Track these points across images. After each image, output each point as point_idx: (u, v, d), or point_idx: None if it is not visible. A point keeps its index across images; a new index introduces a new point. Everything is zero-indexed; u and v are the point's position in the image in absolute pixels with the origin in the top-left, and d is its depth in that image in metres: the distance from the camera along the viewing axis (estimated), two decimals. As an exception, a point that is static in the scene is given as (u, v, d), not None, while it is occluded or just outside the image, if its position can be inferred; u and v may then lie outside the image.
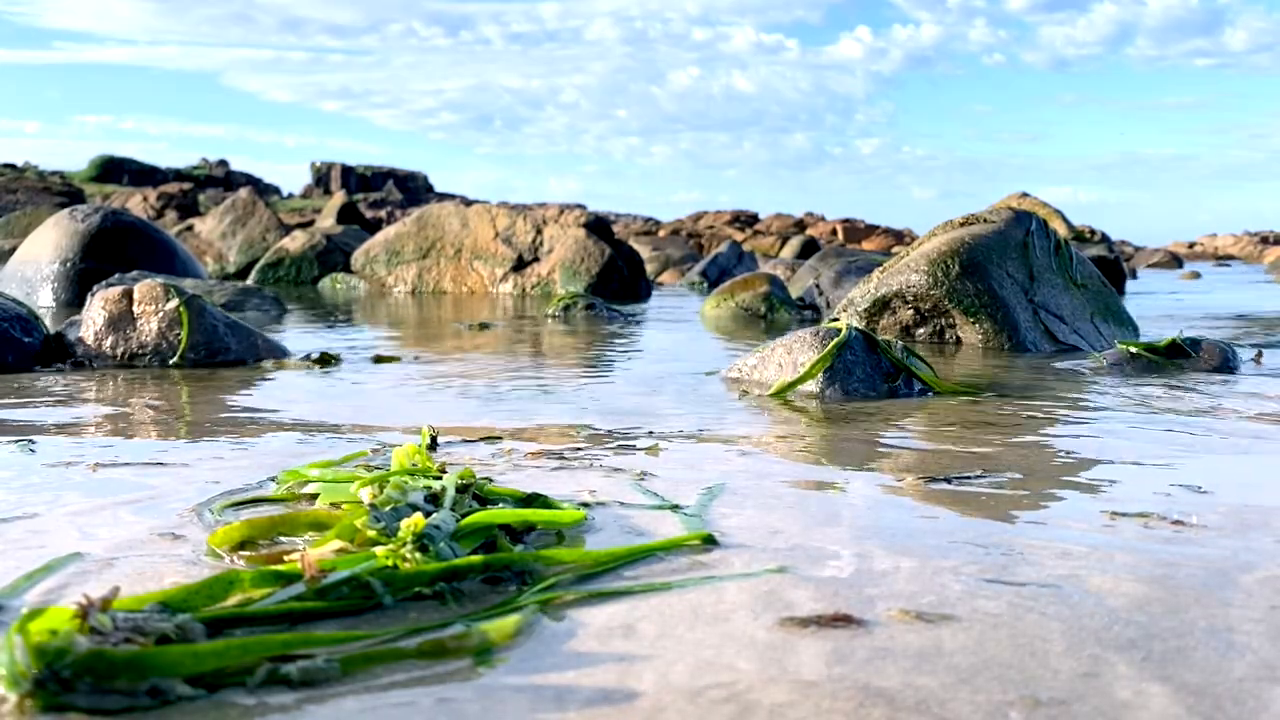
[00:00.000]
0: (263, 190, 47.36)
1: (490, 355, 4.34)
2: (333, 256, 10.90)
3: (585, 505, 1.64)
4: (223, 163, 55.62)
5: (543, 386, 3.36)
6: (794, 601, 1.20)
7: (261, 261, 10.89)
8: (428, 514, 1.37)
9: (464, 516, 1.42)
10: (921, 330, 5.19)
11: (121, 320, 3.87)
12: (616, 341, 5.12)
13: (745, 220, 37.41)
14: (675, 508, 1.64)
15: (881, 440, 2.37)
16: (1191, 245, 42.09)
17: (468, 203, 10.87)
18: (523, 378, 3.58)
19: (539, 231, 10.20)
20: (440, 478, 1.60)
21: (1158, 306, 8.54)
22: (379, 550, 1.27)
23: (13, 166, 45.00)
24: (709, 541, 1.45)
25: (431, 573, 1.23)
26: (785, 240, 22.88)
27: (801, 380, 3.14)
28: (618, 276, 9.77)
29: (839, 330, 3.29)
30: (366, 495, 1.49)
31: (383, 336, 5.29)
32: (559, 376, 3.70)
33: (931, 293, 5.11)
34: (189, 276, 7.48)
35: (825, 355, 3.15)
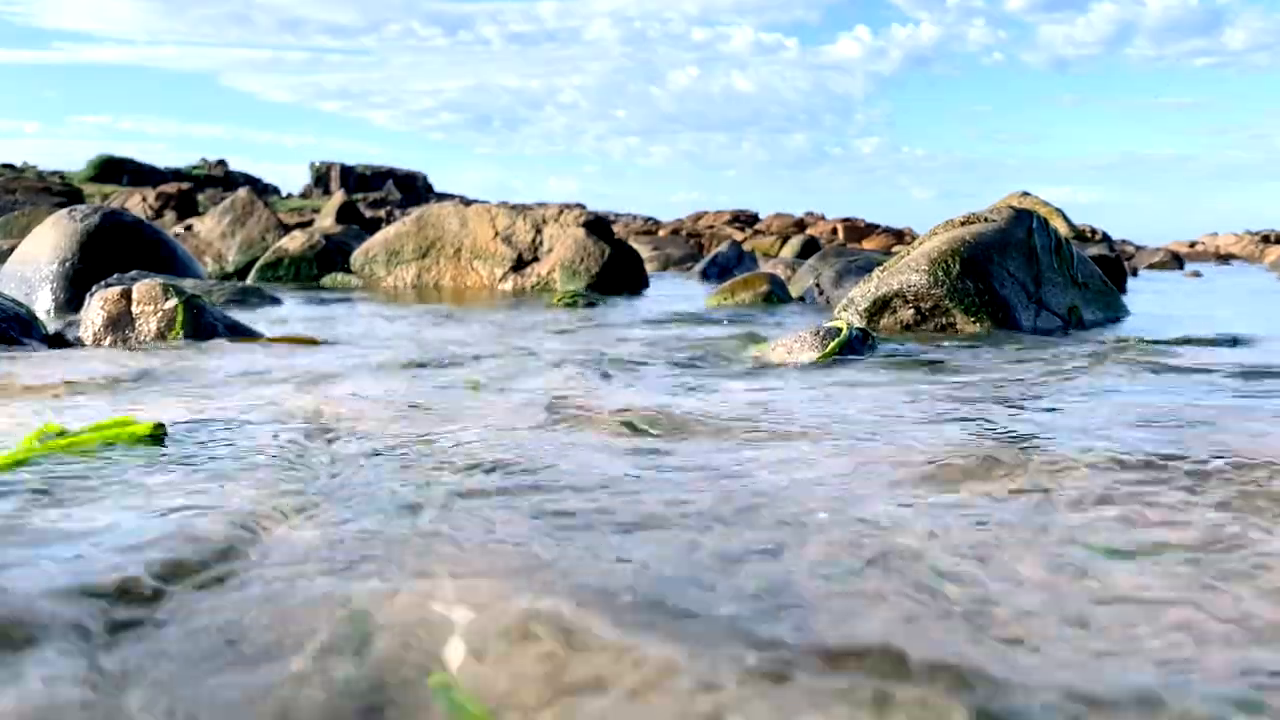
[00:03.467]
0: (262, 190, 47.34)
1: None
2: (332, 256, 10.88)
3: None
4: (222, 163, 55.51)
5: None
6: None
7: (261, 261, 10.87)
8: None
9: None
10: (922, 329, 5.18)
11: (120, 320, 3.85)
12: (619, 341, 5.09)
13: (745, 220, 37.39)
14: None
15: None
16: (1193, 245, 42.02)
17: (467, 203, 10.85)
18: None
19: (538, 231, 10.19)
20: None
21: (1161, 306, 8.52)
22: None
23: (11, 166, 44.91)
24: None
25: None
26: (785, 240, 22.85)
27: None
28: (618, 275, 9.76)
29: (839, 329, 3.28)
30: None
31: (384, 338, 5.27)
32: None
33: (932, 292, 5.10)
34: (188, 276, 7.46)
35: (828, 354, 3.14)
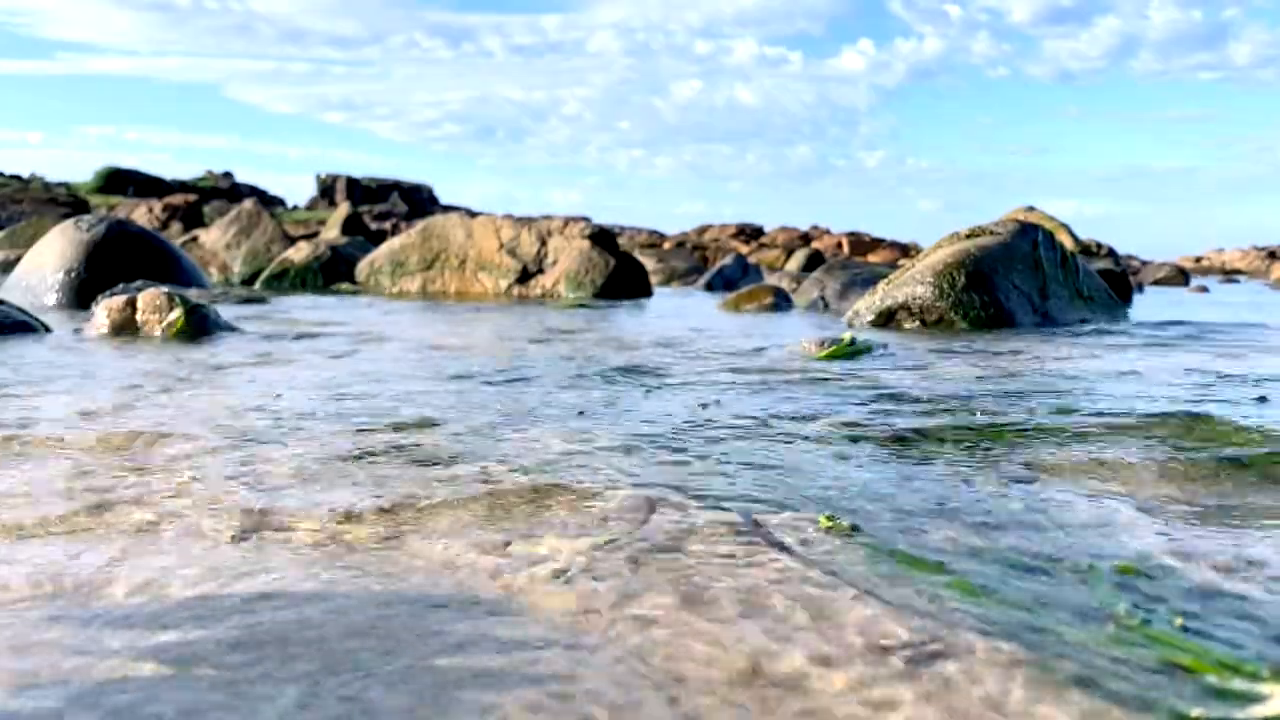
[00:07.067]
0: (268, 202, 47.37)
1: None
2: (337, 267, 10.90)
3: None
4: (228, 174, 55.62)
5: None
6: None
7: (266, 272, 10.89)
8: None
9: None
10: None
11: (125, 328, 3.86)
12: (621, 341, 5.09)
13: (751, 233, 37.38)
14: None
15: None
16: (1198, 260, 41.92)
17: (472, 214, 10.85)
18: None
19: (544, 243, 10.20)
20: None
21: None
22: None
23: (18, 178, 45.04)
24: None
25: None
26: (790, 253, 22.86)
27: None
28: (622, 287, 9.78)
29: (840, 340, 3.28)
30: None
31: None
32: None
33: (937, 304, 5.09)
34: (194, 286, 7.48)
35: (834, 351, 3.13)
